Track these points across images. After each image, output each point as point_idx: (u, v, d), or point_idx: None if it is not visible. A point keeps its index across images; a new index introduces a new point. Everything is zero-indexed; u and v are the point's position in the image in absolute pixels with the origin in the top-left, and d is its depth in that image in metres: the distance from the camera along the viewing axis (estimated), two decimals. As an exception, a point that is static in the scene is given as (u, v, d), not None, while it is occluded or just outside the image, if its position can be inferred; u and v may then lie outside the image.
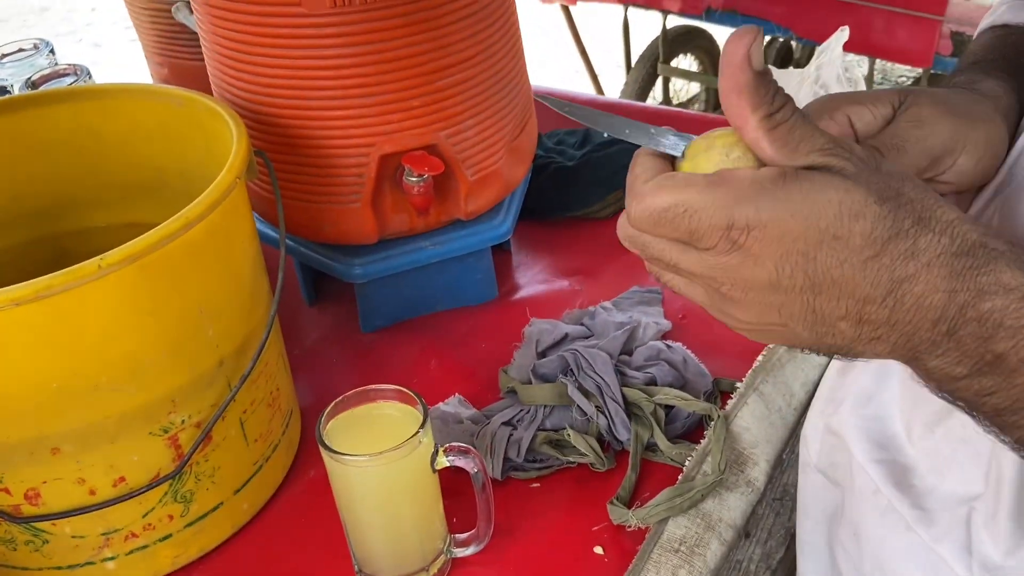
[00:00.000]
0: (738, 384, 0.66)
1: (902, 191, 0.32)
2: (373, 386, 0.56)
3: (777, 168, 0.33)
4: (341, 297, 0.87)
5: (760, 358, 0.67)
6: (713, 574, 0.54)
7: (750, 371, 0.66)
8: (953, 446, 0.43)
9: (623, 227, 0.36)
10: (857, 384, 0.50)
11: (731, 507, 0.57)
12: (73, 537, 0.55)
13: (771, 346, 0.68)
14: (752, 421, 0.62)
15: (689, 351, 0.72)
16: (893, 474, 0.46)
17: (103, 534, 0.55)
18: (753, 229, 0.32)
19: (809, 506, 0.55)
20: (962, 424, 0.35)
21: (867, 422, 0.48)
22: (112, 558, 0.57)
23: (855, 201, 0.31)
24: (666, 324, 0.76)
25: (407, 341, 0.81)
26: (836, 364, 0.53)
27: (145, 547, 0.57)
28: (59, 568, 0.56)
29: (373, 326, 0.82)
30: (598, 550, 0.59)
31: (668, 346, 0.71)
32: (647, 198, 0.34)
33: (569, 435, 0.64)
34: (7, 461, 0.50)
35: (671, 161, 0.36)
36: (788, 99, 0.33)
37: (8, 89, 0.88)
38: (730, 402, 0.64)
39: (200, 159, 0.66)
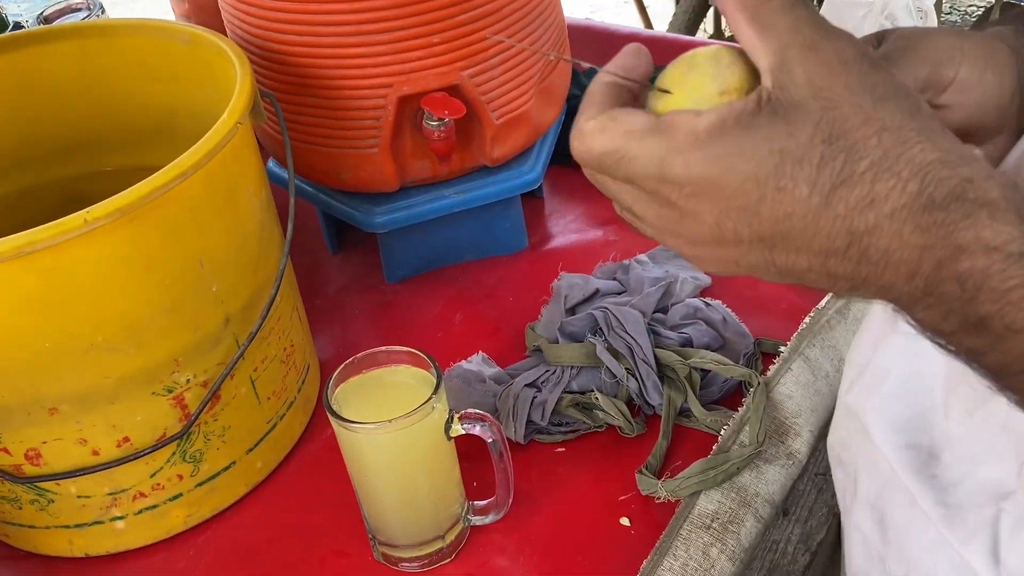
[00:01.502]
0: (782, 347, 0.61)
1: (872, 117, 0.27)
2: (384, 348, 0.53)
3: (716, 115, 0.29)
4: (365, 246, 0.83)
5: (807, 320, 0.62)
6: (747, 554, 0.50)
7: (795, 334, 0.61)
8: (993, 432, 0.38)
9: (584, 167, 0.34)
10: (885, 354, 0.45)
11: (769, 481, 0.53)
12: (79, 497, 0.53)
13: (820, 307, 0.63)
14: (796, 388, 0.57)
15: (729, 309, 0.67)
16: (916, 461, 0.41)
17: (110, 494, 0.54)
18: (684, 186, 0.29)
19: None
20: (1006, 410, 0.30)
21: (888, 401, 0.43)
22: (121, 517, 0.55)
23: (799, 144, 0.27)
24: (705, 279, 0.71)
25: (432, 293, 0.77)
26: (864, 334, 0.48)
27: (155, 507, 0.56)
28: (67, 527, 0.55)
29: (397, 276, 0.78)
30: (624, 521, 0.56)
31: (706, 304, 0.67)
32: (587, 138, 0.31)
33: (597, 398, 0.60)
34: (4, 421, 0.48)
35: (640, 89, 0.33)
36: None
37: (22, 24, 0.85)
38: (772, 367, 0.60)
39: (210, 100, 0.62)
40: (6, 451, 0.50)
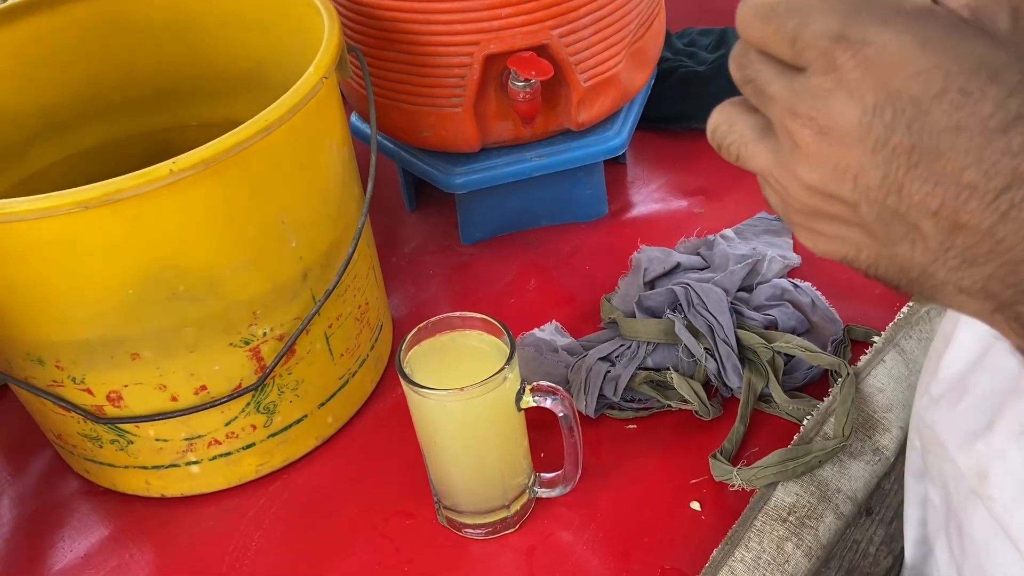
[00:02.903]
0: (875, 336, 0.58)
1: None
2: (459, 313, 0.52)
3: (925, 4, 0.25)
4: (443, 205, 0.82)
5: (906, 309, 0.58)
6: (824, 551, 0.48)
7: (891, 324, 0.57)
8: None
9: (735, 46, 0.30)
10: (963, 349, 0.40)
11: (853, 477, 0.51)
12: (157, 440, 0.55)
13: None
14: (888, 381, 0.54)
15: (819, 292, 0.63)
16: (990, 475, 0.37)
17: (186, 439, 0.55)
18: (867, 46, 0.25)
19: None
20: None
21: (960, 413, 0.39)
22: (196, 462, 0.57)
23: (998, 62, 0.24)
24: (795, 259, 0.68)
25: (507, 257, 0.76)
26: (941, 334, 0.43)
27: (228, 454, 0.57)
28: (144, 468, 0.56)
29: (473, 238, 0.77)
30: (695, 506, 0.54)
31: (795, 285, 0.63)
32: None
33: (672, 378, 0.58)
34: (88, 363, 0.50)
35: None
36: None
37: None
38: (864, 357, 0.56)
39: (297, 52, 0.61)
40: (89, 392, 0.51)
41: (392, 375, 0.66)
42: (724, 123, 0.30)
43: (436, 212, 0.82)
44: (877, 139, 0.25)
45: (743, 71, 0.29)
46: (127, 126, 0.69)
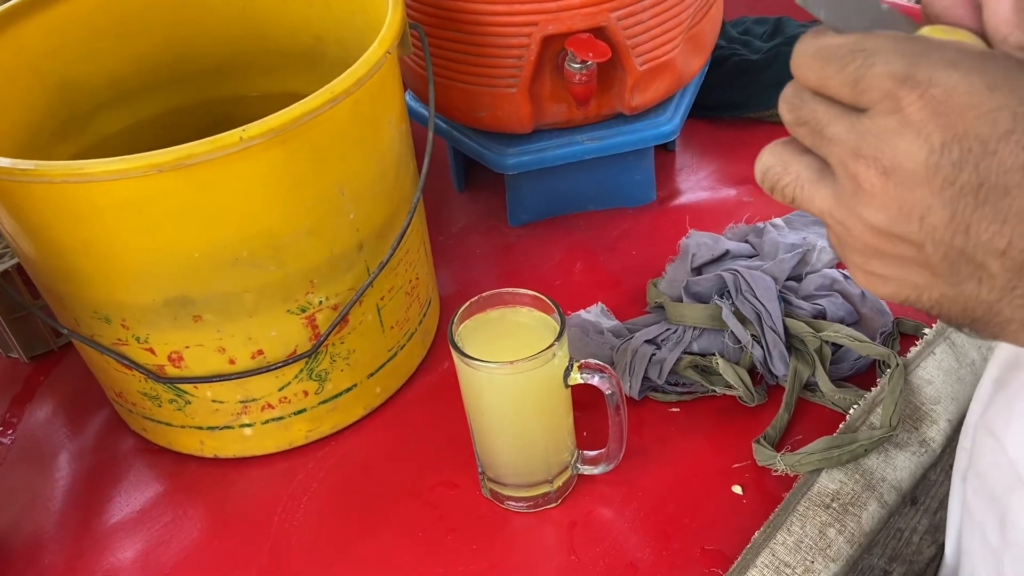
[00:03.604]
0: (925, 329, 0.58)
1: None
2: (510, 289, 0.52)
3: (989, 50, 0.26)
4: (492, 187, 0.83)
5: (956, 303, 0.58)
6: (867, 538, 0.48)
7: (942, 317, 0.57)
8: None
9: (787, 88, 0.29)
10: None
11: (898, 467, 0.51)
12: (213, 401, 0.56)
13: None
14: (937, 373, 0.54)
15: (869, 284, 0.63)
16: None
17: (241, 401, 0.57)
18: (935, 87, 0.25)
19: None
20: None
21: (1014, 404, 0.39)
22: (249, 425, 0.58)
23: None
24: (845, 250, 0.68)
25: (554, 239, 0.77)
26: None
27: (280, 419, 0.58)
28: (199, 428, 0.58)
29: (521, 220, 0.78)
30: (736, 489, 0.55)
31: (845, 276, 0.63)
32: (823, 37, 0.27)
33: (717, 363, 0.59)
34: (152, 323, 0.51)
35: None
36: None
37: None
38: (913, 349, 0.56)
39: (358, 28, 0.62)
40: (152, 351, 0.53)
41: (438, 351, 0.68)
42: (777, 165, 0.30)
43: (485, 193, 0.83)
44: (944, 179, 0.25)
45: (797, 112, 0.28)
46: (189, 96, 0.71)
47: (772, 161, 0.30)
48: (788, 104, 0.29)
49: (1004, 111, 0.24)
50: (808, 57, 0.27)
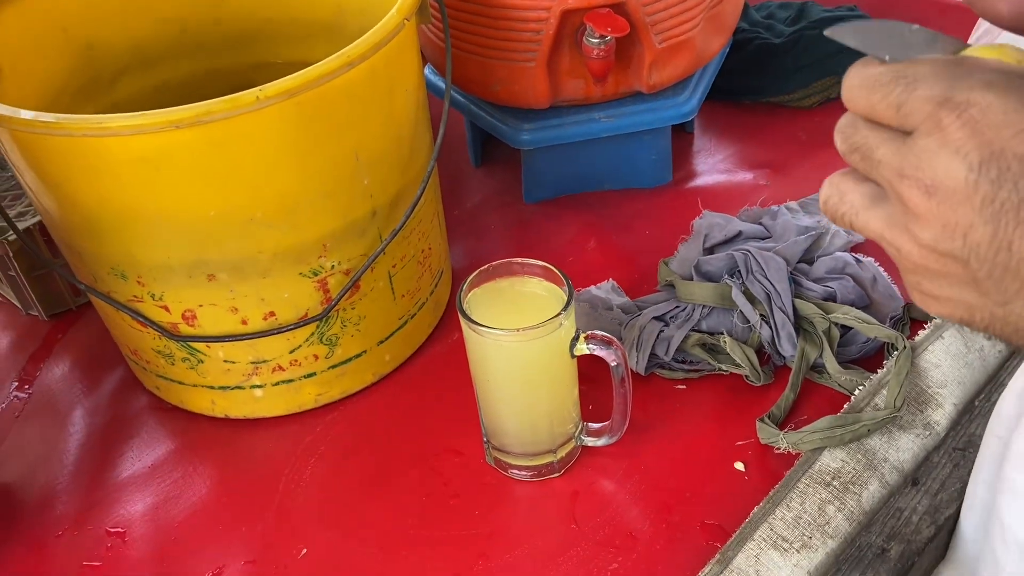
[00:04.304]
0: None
1: None
2: (520, 259, 0.53)
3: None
4: (508, 163, 0.83)
5: (968, 288, 0.57)
6: (866, 516, 0.48)
7: (953, 301, 0.57)
8: None
9: (841, 119, 0.30)
10: None
11: (901, 448, 0.51)
12: (225, 361, 0.57)
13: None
14: (944, 358, 0.54)
15: (881, 269, 0.63)
16: None
17: (252, 362, 0.58)
18: (972, 107, 0.26)
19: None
20: None
21: None
22: (260, 386, 0.59)
23: None
24: (858, 235, 0.67)
25: (568, 217, 0.77)
26: None
27: (291, 381, 0.59)
28: (211, 388, 0.59)
29: (535, 197, 0.78)
30: (739, 466, 0.55)
31: (857, 260, 0.63)
32: (869, 67, 0.28)
33: (725, 342, 0.59)
34: (167, 281, 0.52)
35: None
36: None
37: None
38: (921, 333, 0.56)
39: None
40: (166, 309, 0.54)
41: (448, 321, 0.68)
42: (835, 195, 0.31)
43: (500, 169, 0.84)
44: (984, 196, 0.25)
45: (849, 140, 0.29)
46: (212, 62, 0.72)
47: (830, 191, 0.31)
48: (841, 133, 0.30)
49: None
50: (855, 87, 0.28)
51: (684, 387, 0.60)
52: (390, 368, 0.64)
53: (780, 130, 0.84)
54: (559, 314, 0.49)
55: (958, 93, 0.26)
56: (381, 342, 0.62)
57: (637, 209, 0.77)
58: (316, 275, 0.55)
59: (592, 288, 0.67)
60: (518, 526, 0.54)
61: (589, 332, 0.51)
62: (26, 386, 0.67)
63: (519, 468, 0.56)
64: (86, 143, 0.46)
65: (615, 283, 0.67)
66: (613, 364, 0.51)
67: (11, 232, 0.65)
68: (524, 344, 0.50)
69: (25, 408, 0.66)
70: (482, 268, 0.53)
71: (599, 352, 0.51)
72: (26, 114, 0.45)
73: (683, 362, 0.61)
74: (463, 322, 0.51)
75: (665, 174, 0.78)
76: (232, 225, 0.50)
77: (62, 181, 0.49)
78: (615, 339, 0.51)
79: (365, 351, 0.61)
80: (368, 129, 0.53)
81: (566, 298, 0.50)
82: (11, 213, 0.70)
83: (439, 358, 0.65)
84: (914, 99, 0.27)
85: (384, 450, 0.59)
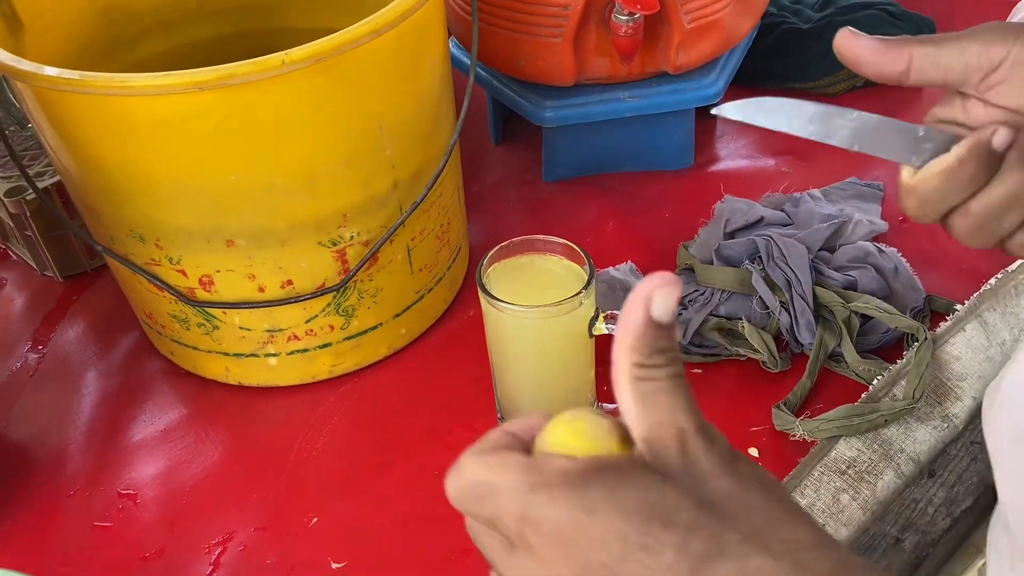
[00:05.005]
0: (957, 306, 0.57)
1: (740, 496, 0.25)
2: (541, 236, 0.52)
3: (590, 460, 0.26)
4: (528, 142, 0.83)
5: (993, 281, 0.57)
6: (881, 507, 0.48)
7: (976, 294, 0.56)
8: None
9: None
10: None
11: (918, 440, 0.50)
12: (241, 328, 0.57)
13: (1010, 270, 0.58)
14: (966, 350, 0.53)
15: (903, 259, 0.62)
16: None
17: (268, 330, 0.57)
18: (544, 524, 0.26)
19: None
20: None
21: None
22: (274, 355, 0.59)
23: (667, 505, 0.25)
24: (882, 225, 0.67)
25: (587, 198, 0.76)
26: None
27: (305, 351, 0.59)
28: (226, 354, 0.59)
29: (555, 176, 0.78)
30: (753, 452, 0.55)
31: (879, 249, 0.62)
32: (463, 469, 0.28)
33: (743, 327, 0.58)
34: (185, 245, 0.52)
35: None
36: (675, 363, 0.27)
37: None
38: (943, 325, 0.55)
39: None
40: (183, 273, 0.54)
41: (464, 298, 0.68)
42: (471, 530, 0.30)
43: (521, 148, 0.83)
44: None
45: (474, 539, 0.29)
46: (233, 26, 0.71)
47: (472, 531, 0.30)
48: (468, 529, 0.30)
49: (611, 534, 0.24)
50: (456, 498, 0.28)
51: (700, 371, 0.60)
52: (405, 342, 0.63)
53: (804, 117, 0.83)
54: (580, 292, 0.49)
55: (531, 509, 0.26)
56: (397, 315, 0.61)
57: (657, 192, 0.76)
58: (335, 245, 0.54)
59: (610, 269, 0.66)
60: (529, 503, 0.54)
61: (609, 312, 0.51)
62: (40, 346, 0.67)
63: (532, 446, 0.56)
64: (110, 102, 0.45)
65: (634, 265, 0.67)
66: (631, 345, 0.51)
67: (29, 192, 0.65)
68: (543, 321, 0.50)
69: (39, 368, 0.66)
70: (503, 244, 0.52)
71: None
72: (50, 71, 0.45)
73: (700, 346, 0.60)
74: (482, 297, 0.50)
75: (687, 157, 0.77)
76: (252, 191, 0.50)
77: (84, 140, 0.49)
78: (634, 320, 0.50)
79: (381, 324, 0.61)
80: (392, 99, 0.52)
81: (587, 277, 0.50)
82: (30, 173, 0.69)
83: (454, 334, 0.65)
84: (501, 515, 0.27)
85: (397, 423, 0.59)
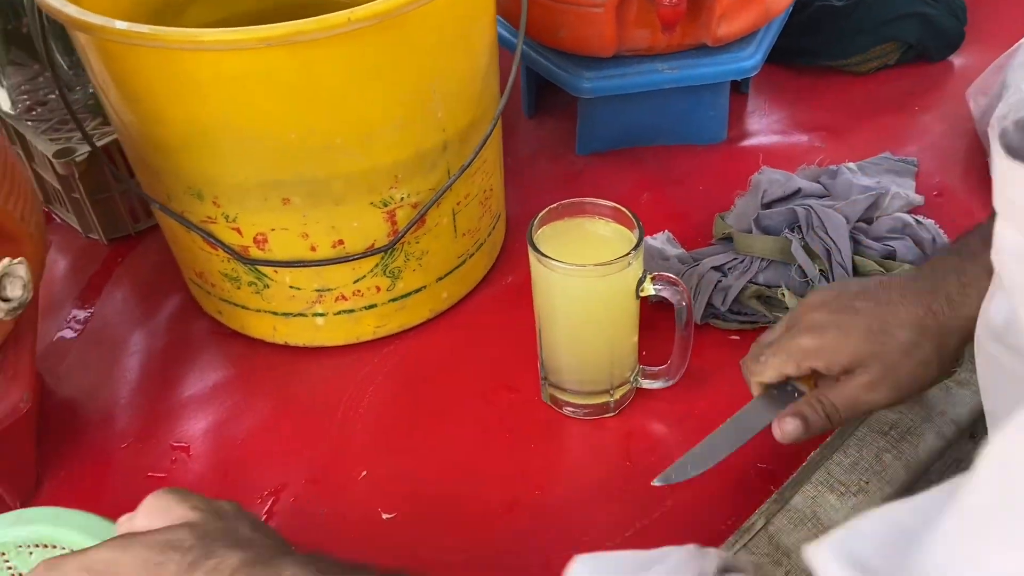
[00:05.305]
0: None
1: (231, 534, 0.39)
2: (591, 199, 0.53)
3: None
4: (562, 115, 0.84)
5: (1031, 252, 0.57)
6: (923, 466, 0.49)
7: (1016, 263, 0.57)
8: None
9: None
10: None
11: (958, 403, 0.51)
12: (291, 287, 0.58)
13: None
14: (1005, 318, 0.54)
15: (941, 230, 0.63)
16: None
17: (317, 290, 0.59)
18: (98, 563, 0.37)
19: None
20: None
21: None
22: (322, 314, 0.60)
23: (182, 537, 0.37)
24: (917, 198, 0.67)
25: (621, 170, 0.77)
26: None
27: (352, 311, 0.60)
28: (275, 314, 0.60)
29: (589, 148, 0.79)
30: (791, 416, 0.55)
31: (917, 221, 0.63)
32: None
33: (784, 295, 0.59)
34: (241, 203, 0.53)
35: None
36: None
37: None
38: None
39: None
40: (238, 231, 0.55)
41: (503, 265, 0.69)
42: None
43: (553, 121, 0.84)
44: None
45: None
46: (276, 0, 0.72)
47: None
48: None
49: (138, 559, 0.37)
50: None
51: (738, 338, 0.61)
52: (446, 306, 0.64)
53: (836, 94, 0.84)
54: (629, 252, 0.50)
55: (88, 554, 0.38)
56: (440, 279, 0.62)
57: (691, 165, 0.77)
58: (386, 206, 0.56)
59: (648, 239, 0.67)
60: (573, 460, 0.55)
61: (656, 273, 0.52)
62: (87, 307, 0.69)
63: (574, 406, 0.57)
64: (177, 56, 0.46)
65: (671, 234, 0.68)
66: (679, 305, 0.52)
67: (78, 153, 0.66)
68: (592, 280, 0.51)
69: (86, 328, 0.67)
70: (552, 206, 0.53)
71: (666, 293, 0.52)
72: (120, 24, 0.46)
73: (739, 313, 0.61)
74: (532, 256, 0.51)
75: (720, 132, 0.78)
76: (311, 149, 0.51)
77: (148, 95, 0.50)
78: (680, 280, 0.52)
79: (424, 286, 0.62)
80: (446, 62, 0.53)
81: (636, 239, 0.51)
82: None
83: (493, 300, 0.66)
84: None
85: (440, 384, 0.60)
